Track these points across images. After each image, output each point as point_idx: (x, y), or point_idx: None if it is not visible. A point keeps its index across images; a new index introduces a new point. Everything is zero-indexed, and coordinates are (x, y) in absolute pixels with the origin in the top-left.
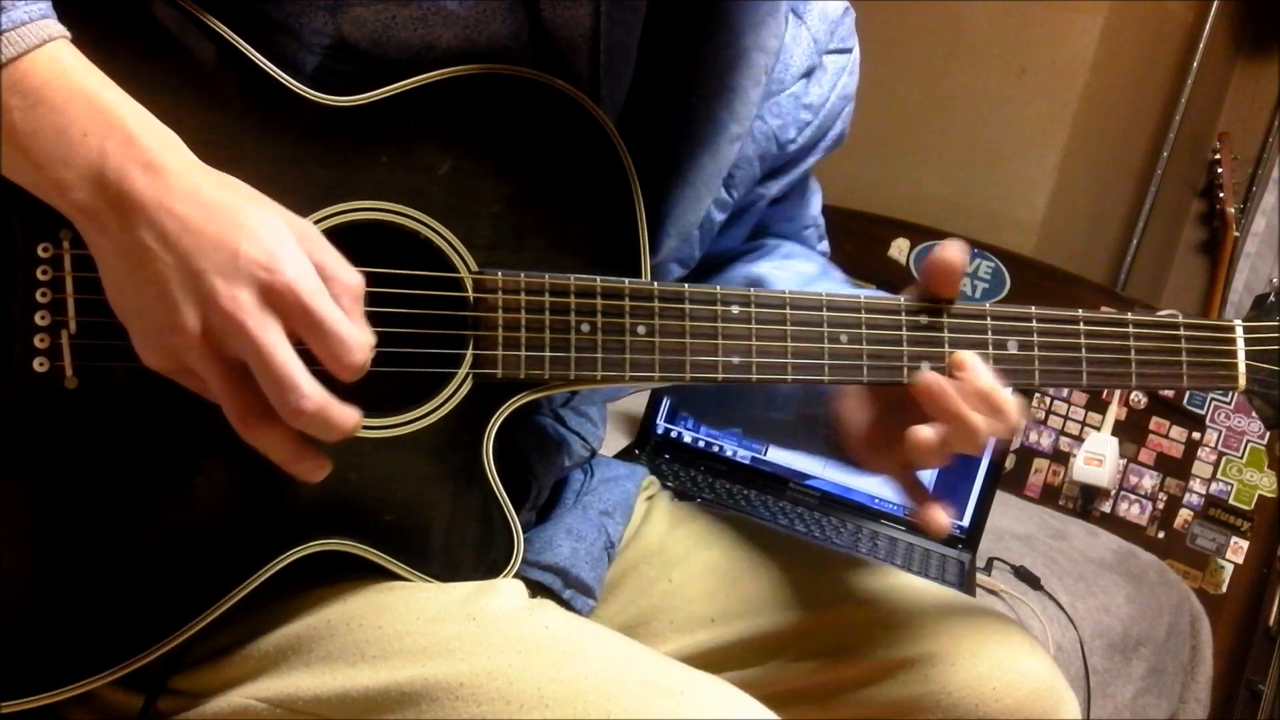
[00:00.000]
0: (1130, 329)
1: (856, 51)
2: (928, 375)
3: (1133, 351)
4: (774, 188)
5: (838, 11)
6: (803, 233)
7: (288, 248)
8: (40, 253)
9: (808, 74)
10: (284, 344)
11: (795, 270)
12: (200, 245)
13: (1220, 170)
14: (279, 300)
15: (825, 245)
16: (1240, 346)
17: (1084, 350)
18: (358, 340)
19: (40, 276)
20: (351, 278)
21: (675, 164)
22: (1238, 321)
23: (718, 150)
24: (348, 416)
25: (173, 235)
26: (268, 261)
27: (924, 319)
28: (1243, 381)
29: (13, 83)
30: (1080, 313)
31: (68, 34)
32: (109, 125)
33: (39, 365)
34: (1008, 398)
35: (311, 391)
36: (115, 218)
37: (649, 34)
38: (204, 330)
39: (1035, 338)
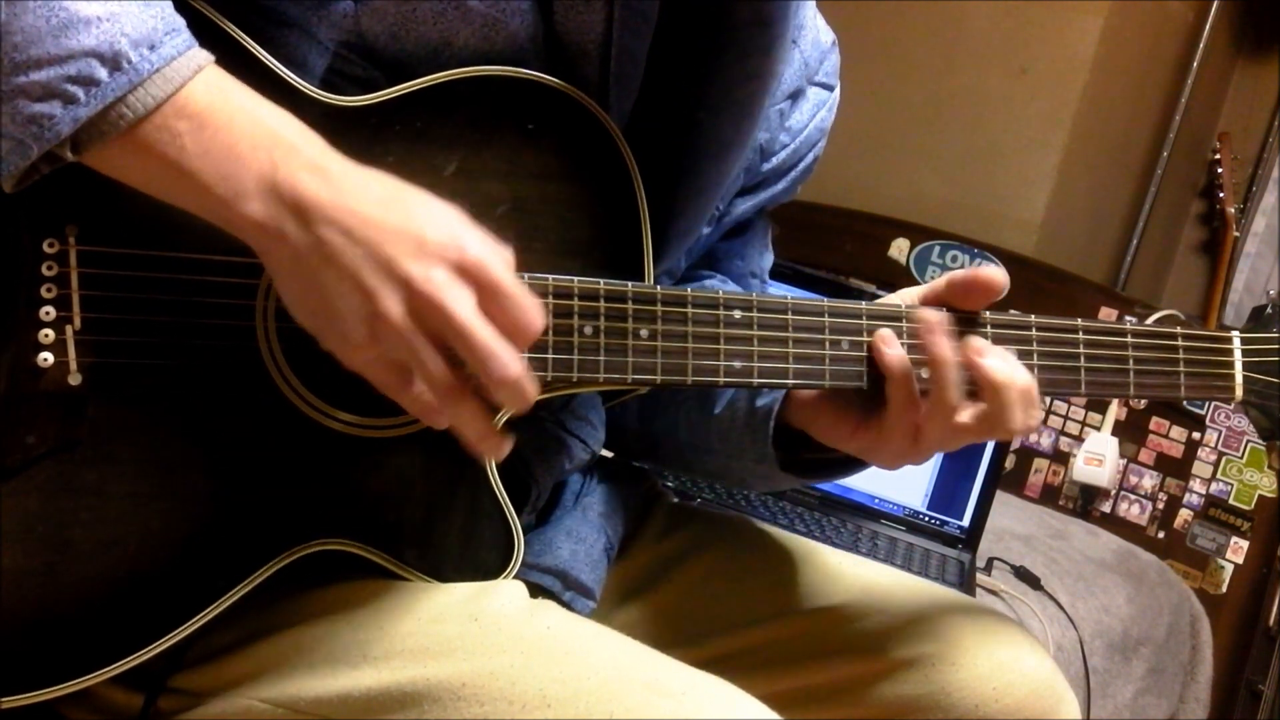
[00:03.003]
0: (1129, 339)
1: (838, 92)
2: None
3: (1131, 361)
4: (740, 206)
5: (827, 43)
6: (749, 279)
7: (464, 228)
8: (46, 248)
9: (794, 96)
10: (482, 317)
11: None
12: (385, 235)
13: (1220, 170)
14: (469, 276)
15: None
16: (1238, 358)
17: (1083, 360)
18: (537, 304)
19: (45, 272)
20: (505, 251)
21: (680, 175)
22: (1235, 332)
23: (721, 165)
24: (535, 386)
25: (356, 229)
26: (452, 242)
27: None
28: (1239, 393)
29: (177, 110)
30: (1079, 322)
31: (212, 57)
32: (273, 136)
33: (43, 361)
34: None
35: (513, 359)
36: (294, 222)
37: (659, 45)
38: (408, 313)
39: (1035, 346)
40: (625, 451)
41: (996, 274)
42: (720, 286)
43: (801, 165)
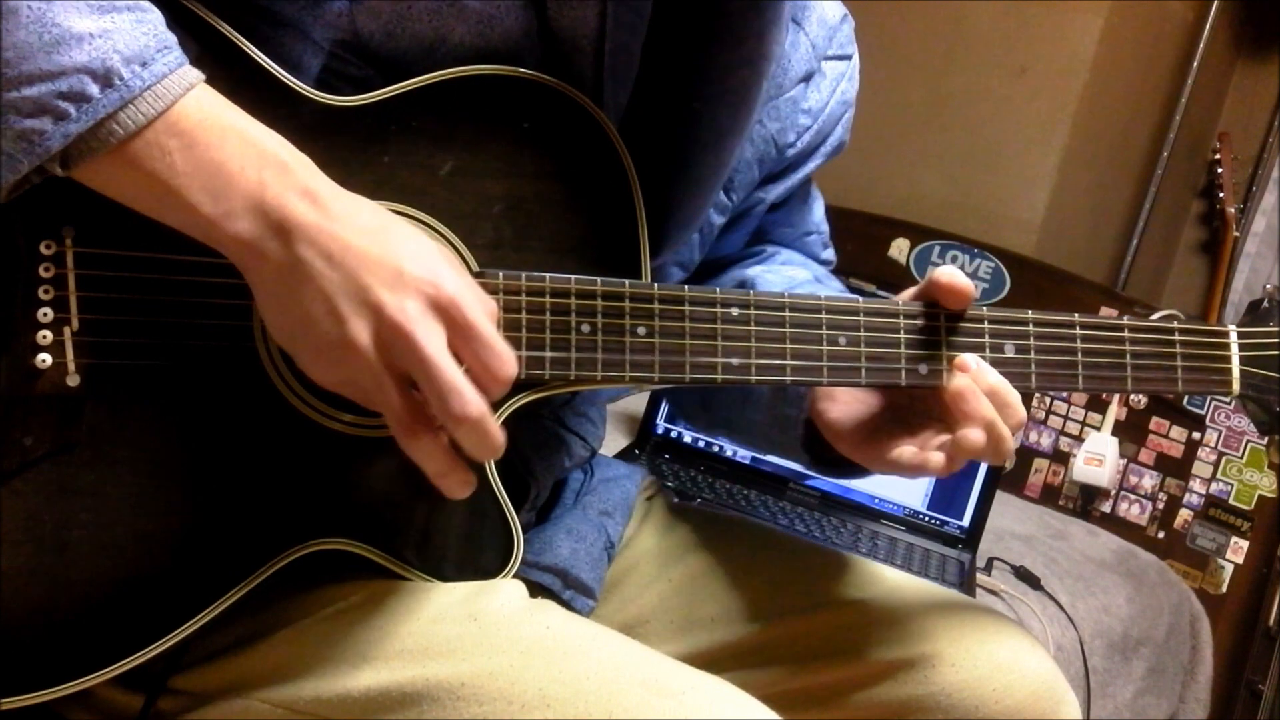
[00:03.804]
0: (1126, 334)
1: (856, 59)
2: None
3: (1128, 356)
4: (773, 192)
5: (836, 18)
6: (804, 239)
7: (445, 266)
8: (43, 250)
9: (806, 79)
10: (449, 354)
11: (785, 275)
12: (365, 262)
13: (1220, 170)
14: (443, 313)
15: (830, 253)
16: (1234, 352)
17: (1080, 355)
18: (511, 354)
19: (43, 273)
20: (489, 301)
21: (677, 167)
22: (1232, 327)
23: (719, 154)
24: (501, 434)
25: (337, 254)
26: (431, 277)
27: (921, 322)
28: (1236, 387)
29: (168, 127)
30: (1076, 317)
31: (203, 76)
32: (263, 156)
33: (41, 362)
34: (1015, 396)
35: (475, 399)
36: (278, 242)
37: (653, 37)
38: (375, 341)
39: (1032, 341)
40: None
41: (961, 282)
42: (776, 255)
43: (831, 139)
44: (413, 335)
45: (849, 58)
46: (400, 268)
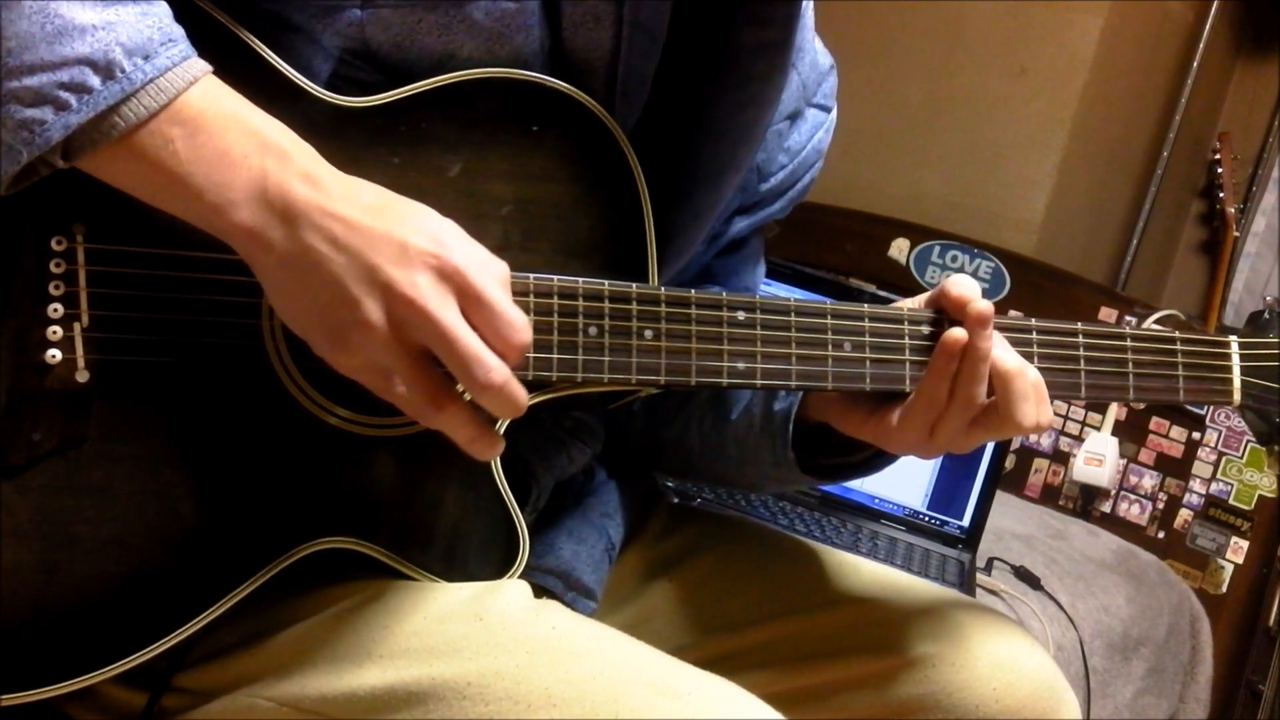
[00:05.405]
0: (1128, 342)
1: (835, 114)
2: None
3: (1130, 365)
4: (738, 225)
5: (825, 65)
6: (743, 293)
7: (450, 235)
8: (54, 246)
9: (792, 117)
10: (464, 323)
11: None
12: (369, 242)
13: (1220, 170)
14: (451, 283)
15: None
16: (1235, 362)
17: (1083, 363)
18: (523, 319)
19: (53, 269)
20: (499, 265)
21: (679, 194)
22: (1234, 337)
23: (719, 187)
24: (524, 392)
25: (341, 237)
26: (435, 249)
27: (926, 329)
28: (1238, 397)
29: (170, 116)
30: (1079, 325)
31: (210, 68)
32: (264, 145)
33: (50, 358)
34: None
35: (497, 365)
36: (282, 229)
37: (665, 65)
38: (389, 320)
39: (1035, 349)
40: (628, 462)
41: (978, 305)
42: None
43: (799, 186)
44: (426, 309)
45: (829, 110)
46: (405, 242)
